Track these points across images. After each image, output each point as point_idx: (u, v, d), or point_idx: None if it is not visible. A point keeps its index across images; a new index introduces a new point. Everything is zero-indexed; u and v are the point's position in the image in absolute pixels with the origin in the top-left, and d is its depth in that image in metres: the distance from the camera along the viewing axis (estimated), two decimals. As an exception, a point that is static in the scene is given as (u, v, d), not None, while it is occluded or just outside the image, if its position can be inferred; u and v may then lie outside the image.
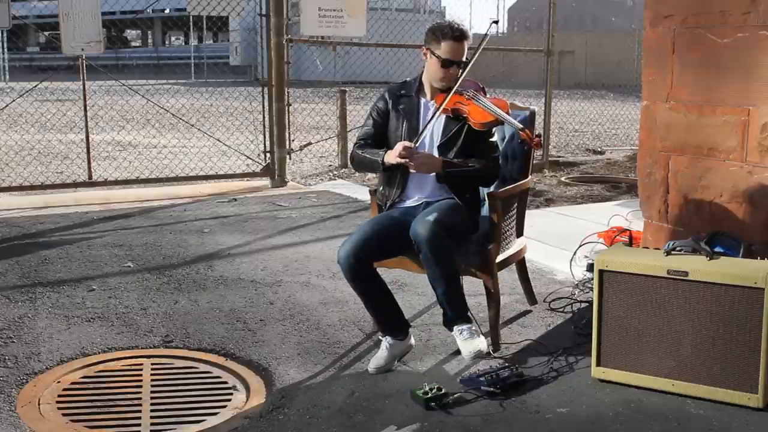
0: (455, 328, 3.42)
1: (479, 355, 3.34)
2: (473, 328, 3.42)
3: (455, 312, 3.42)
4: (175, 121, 10.12)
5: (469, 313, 3.45)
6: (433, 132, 3.54)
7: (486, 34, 3.65)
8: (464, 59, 3.49)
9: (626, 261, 3.16)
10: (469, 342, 3.37)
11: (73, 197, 7.13)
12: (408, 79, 3.68)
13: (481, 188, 3.70)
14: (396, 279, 4.39)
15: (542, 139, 3.75)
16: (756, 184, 3.67)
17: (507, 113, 3.48)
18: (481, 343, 3.39)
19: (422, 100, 3.57)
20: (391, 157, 3.40)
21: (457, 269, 3.40)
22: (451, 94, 3.45)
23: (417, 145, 3.40)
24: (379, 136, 3.60)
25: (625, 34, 30.02)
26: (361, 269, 3.32)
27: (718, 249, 3.24)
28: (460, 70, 3.49)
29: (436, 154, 3.51)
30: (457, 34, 3.43)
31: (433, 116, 3.46)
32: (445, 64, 3.45)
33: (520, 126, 3.41)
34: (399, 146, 3.37)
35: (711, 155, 3.88)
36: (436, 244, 3.23)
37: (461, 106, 3.46)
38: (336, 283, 4.46)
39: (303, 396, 3.12)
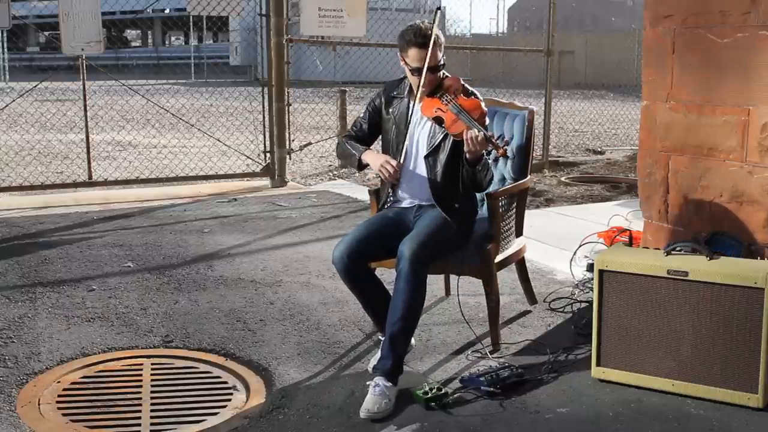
0: (376, 378, 3.05)
1: (369, 416, 2.92)
2: (389, 391, 3.01)
3: (389, 361, 3.08)
4: (175, 121, 10.12)
5: (398, 377, 3.10)
6: (419, 141, 3.45)
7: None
8: (439, 62, 3.34)
9: (626, 261, 3.16)
10: (372, 399, 2.96)
11: (73, 197, 7.13)
12: (404, 76, 3.58)
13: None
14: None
15: (513, 142, 3.61)
16: (756, 184, 3.67)
17: (481, 113, 3.28)
18: (381, 410, 2.94)
19: (411, 104, 3.48)
20: (375, 165, 3.41)
21: (422, 301, 3.20)
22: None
23: (402, 161, 3.40)
24: (373, 128, 3.58)
25: (625, 34, 30.03)
26: (355, 269, 3.31)
27: (717, 249, 3.24)
28: (439, 73, 3.37)
29: (422, 165, 3.43)
30: (420, 41, 3.27)
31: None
32: (414, 72, 3.35)
33: (489, 134, 3.21)
34: (383, 158, 3.38)
35: (711, 155, 3.88)
36: (415, 267, 3.13)
37: (441, 113, 3.33)
38: (336, 283, 4.45)
39: (303, 396, 3.12)
